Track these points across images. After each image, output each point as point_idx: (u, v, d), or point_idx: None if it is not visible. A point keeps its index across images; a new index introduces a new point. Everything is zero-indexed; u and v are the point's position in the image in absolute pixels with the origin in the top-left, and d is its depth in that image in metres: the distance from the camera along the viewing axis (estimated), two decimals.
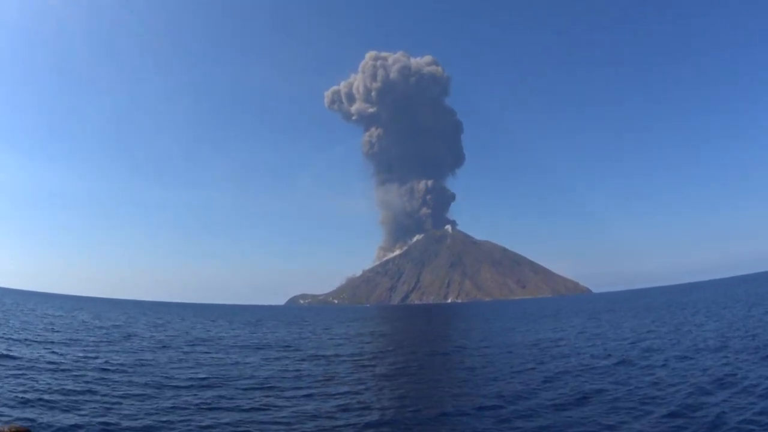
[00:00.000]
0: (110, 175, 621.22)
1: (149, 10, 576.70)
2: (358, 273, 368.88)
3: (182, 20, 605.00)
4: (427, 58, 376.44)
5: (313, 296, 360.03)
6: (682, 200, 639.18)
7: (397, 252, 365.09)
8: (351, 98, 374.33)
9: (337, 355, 26.82)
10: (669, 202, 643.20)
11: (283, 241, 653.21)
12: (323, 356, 26.46)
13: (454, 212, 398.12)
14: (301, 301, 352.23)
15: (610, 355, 23.51)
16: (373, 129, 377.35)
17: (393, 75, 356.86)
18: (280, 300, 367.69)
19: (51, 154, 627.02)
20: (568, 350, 26.56)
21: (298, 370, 21.38)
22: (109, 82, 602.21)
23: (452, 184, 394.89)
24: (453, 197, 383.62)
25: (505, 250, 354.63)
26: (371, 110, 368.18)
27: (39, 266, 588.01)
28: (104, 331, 41.01)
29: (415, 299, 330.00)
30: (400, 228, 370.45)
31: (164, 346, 31.51)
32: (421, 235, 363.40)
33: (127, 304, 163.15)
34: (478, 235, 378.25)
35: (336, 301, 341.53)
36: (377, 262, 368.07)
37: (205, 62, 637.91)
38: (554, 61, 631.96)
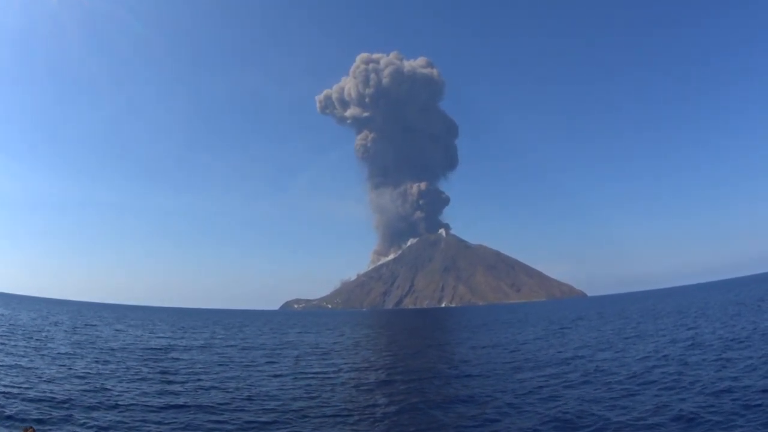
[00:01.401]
0: (104, 181, 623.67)
1: (145, 17, 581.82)
2: (353, 277, 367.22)
3: (176, 27, 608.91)
4: (421, 61, 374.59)
5: (307, 301, 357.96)
6: (677, 203, 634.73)
7: (392, 256, 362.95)
8: (343, 102, 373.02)
9: (172, 372, 23.90)
10: (664, 204, 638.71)
11: (278, 246, 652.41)
12: (167, 373, 23.97)
13: (448, 216, 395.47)
14: (295, 306, 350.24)
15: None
16: (366, 132, 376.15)
17: (386, 80, 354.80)
18: (275, 305, 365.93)
19: (45, 160, 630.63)
20: (478, 388, 19.25)
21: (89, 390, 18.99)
22: (105, 87, 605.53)
23: (446, 187, 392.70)
24: (447, 201, 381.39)
25: (498, 254, 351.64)
26: (365, 114, 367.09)
27: (37, 272, 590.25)
28: (14, 331, 39.63)
29: (409, 304, 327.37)
30: (394, 232, 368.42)
31: (35, 348, 30.21)
32: (415, 239, 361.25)
33: (107, 308, 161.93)
34: (472, 239, 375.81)
35: (330, 306, 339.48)
36: (371, 267, 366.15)
37: (199, 67, 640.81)
38: (548, 64, 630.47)
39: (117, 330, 52.20)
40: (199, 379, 20.70)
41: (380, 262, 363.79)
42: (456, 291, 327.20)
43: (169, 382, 20.08)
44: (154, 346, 34.46)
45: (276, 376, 22.36)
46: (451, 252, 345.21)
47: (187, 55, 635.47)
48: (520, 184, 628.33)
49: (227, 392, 18.03)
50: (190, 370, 23.34)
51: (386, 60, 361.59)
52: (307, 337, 48.40)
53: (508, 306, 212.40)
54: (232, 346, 37.48)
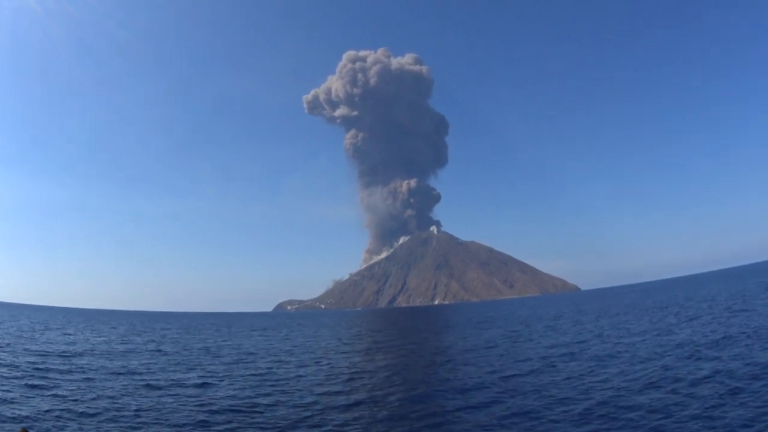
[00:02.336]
0: (94, 185, 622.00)
1: (131, 25, 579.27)
2: (345, 277, 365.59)
3: (162, 33, 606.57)
4: (409, 58, 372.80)
5: (300, 302, 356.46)
6: (668, 197, 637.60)
7: (384, 255, 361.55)
8: (331, 102, 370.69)
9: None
10: (655, 198, 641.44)
11: (271, 248, 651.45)
12: (39, 379, 22.60)
13: (439, 213, 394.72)
14: (289, 307, 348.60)
15: None
16: (355, 130, 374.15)
17: (373, 79, 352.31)
18: (269, 306, 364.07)
19: (35, 165, 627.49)
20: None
21: None
22: (94, 93, 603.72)
23: (436, 184, 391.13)
24: (438, 198, 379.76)
25: (491, 250, 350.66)
26: (353, 114, 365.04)
27: (27, 278, 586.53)
28: None
29: (402, 302, 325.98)
30: (386, 231, 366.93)
31: None
32: (407, 238, 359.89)
33: (91, 313, 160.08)
34: (464, 235, 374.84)
35: (323, 306, 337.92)
36: (364, 266, 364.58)
37: (187, 72, 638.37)
38: (541, 61, 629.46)
39: (64, 334, 50.65)
40: (57, 386, 19.14)
41: (372, 261, 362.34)
42: (449, 288, 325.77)
43: (30, 387, 18.60)
44: (70, 351, 32.92)
45: (151, 387, 20.25)
46: (443, 249, 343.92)
47: (174, 59, 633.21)
48: (511, 180, 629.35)
49: (65, 402, 16.40)
50: (66, 378, 21.78)
51: (374, 57, 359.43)
52: (252, 341, 46.83)
53: (499, 302, 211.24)
54: (158, 351, 35.90)
